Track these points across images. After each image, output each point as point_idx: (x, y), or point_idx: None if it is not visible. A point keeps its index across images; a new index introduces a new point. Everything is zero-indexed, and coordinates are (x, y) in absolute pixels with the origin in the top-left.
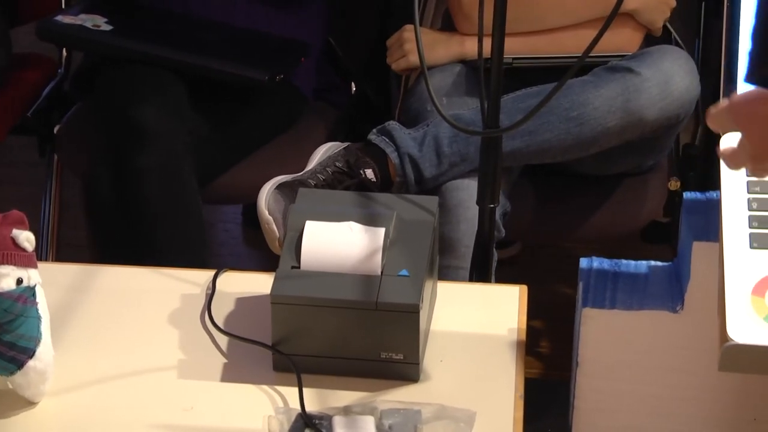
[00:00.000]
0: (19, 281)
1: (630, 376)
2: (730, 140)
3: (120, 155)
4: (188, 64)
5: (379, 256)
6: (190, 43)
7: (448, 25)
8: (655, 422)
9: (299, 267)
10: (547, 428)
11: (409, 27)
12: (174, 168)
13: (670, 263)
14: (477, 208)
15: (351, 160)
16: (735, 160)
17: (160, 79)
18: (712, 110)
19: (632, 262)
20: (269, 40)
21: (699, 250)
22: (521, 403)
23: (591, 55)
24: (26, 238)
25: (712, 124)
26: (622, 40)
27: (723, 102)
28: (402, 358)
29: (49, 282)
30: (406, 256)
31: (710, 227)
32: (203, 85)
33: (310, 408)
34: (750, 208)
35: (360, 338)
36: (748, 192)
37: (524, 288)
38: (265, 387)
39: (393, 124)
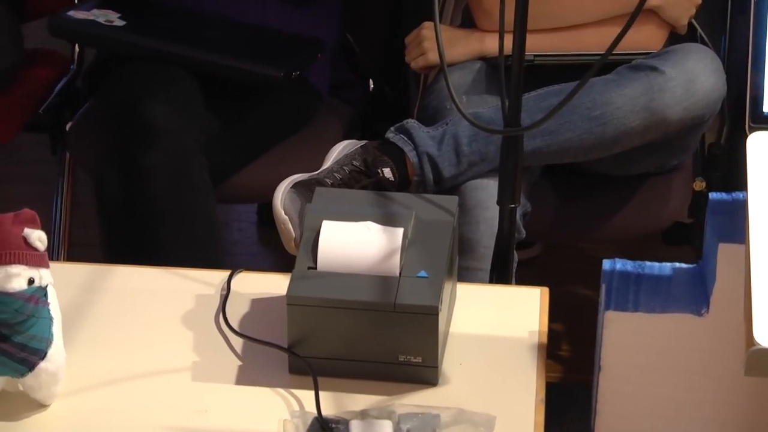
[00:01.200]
0: (31, 281)
1: (653, 380)
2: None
3: (129, 152)
4: (203, 62)
5: (397, 257)
6: (205, 39)
7: (467, 21)
8: (679, 427)
9: (316, 267)
10: None
11: (428, 24)
12: (183, 165)
13: (694, 265)
14: (497, 208)
15: (368, 158)
16: None
17: (171, 76)
18: None
19: (656, 264)
20: (284, 37)
21: (725, 251)
22: (542, 407)
23: (614, 52)
24: (38, 238)
25: None
26: (645, 37)
27: None
28: (420, 361)
29: (61, 282)
30: (424, 257)
31: (736, 228)
32: (215, 82)
33: (326, 412)
34: None
35: (377, 341)
36: None
37: (545, 290)
38: (280, 390)
39: (411, 123)
